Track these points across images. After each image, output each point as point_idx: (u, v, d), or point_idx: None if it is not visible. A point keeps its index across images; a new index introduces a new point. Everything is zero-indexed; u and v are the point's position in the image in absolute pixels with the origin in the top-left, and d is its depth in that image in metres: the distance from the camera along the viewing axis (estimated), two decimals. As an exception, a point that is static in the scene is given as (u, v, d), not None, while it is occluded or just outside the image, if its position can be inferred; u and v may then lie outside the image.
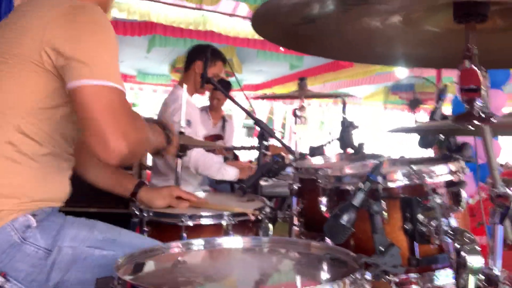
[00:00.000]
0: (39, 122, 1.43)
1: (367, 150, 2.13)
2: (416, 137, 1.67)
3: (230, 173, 3.49)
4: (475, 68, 0.83)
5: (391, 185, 1.36)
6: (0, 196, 1.40)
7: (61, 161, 1.53)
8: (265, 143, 2.70)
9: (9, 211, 1.39)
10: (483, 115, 0.82)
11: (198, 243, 1.37)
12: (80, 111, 1.37)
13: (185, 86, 2.67)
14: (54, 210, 1.54)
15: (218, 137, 4.35)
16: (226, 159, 4.00)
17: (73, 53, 1.36)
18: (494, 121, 0.82)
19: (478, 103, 0.82)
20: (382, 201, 1.31)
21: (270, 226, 1.91)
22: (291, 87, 10.12)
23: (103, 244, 1.50)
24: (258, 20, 0.94)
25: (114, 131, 1.32)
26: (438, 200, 1.33)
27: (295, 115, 2.77)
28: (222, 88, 3.14)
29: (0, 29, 1.50)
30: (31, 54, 1.38)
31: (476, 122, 0.82)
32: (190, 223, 1.73)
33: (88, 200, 1.88)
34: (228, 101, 3.27)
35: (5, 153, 1.40)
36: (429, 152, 1.81)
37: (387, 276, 1.14)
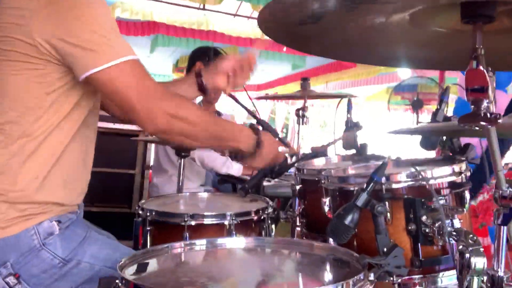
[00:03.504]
0: (58, 116, 1.42)
1: (369, 151, 2.12)
2: (418, 137, 1.66)
3: (235, 167, 3.56)
4: (481, 68, 0.82)
5: (394, 186, 1.35)
6: (31, 198, 1.39)
7: (86, 155, 1.55)
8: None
9: (36, 215, 1.40)
10: (489, 116, 0.81)
11: (200, 243, 1.37)
12: (106, 96, 1.45)
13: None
14: (78, 218, 1.55)
15: None
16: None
17: (68, 46, 1.32)
18: (500, 121, 0.81)
19: (485, 103, 0.81)
20: (386, 202, 1.31)
21: (273, 226, 1.91)
22: (294, 87, 10.12)
23: None
24: (264, 19, 0.93)
25: (141, 104, 1.36)
26: (441, 201, 1.33)
27: (298, 115, 2.76)
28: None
29: None
30: (26, 50, 1.34)
31: (482, 123, 0.82)
32: (193, 223, 1.73)
33: (92, 199, 1.88)
34: (230, 101, 3.27)
35: (26, 147, 1.39)
36: (431, 153, 1.80)
37: (390, 277, 1.13)
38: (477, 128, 0.85)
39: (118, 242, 1.60)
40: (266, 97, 8.10)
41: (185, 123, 1.43)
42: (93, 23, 1.34)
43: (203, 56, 3.38)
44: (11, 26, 1.35)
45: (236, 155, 1.67)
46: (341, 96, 2.63)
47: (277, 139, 1.88)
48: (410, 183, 1.36)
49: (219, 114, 4.53)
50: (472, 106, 0.83)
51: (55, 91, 1.40)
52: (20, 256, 1.37)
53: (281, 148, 1.78)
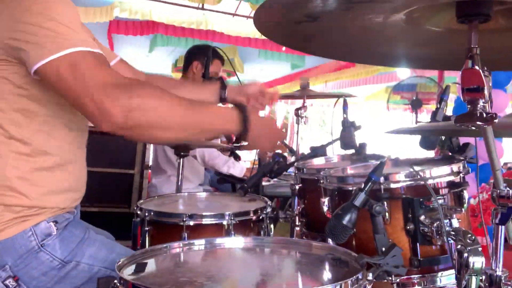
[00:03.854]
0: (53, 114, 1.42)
1: (369, 151, 2.13)
2: (418, 138, 1.66)
3: (237, 168, 3.58)
4: (478, 68, 0.83)
5: (393, 185, 1.36)
6: (26, 200, 1.39)
7: (81, 153, 1.55)
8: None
9: (33, 216, 1.39)
10: (485, 116, 0.81)
11: (199, 243, 1.37)
12: (57, 92, 1.31)
13: (186, 85, 2.67)
14: (75, 218, 1.55)
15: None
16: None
17: (18, 41, 1.27)
18: (497, 121, 0.81)
19: (481, 103, 0.81)
20: (384, 202, 1.31)
21: (272, 226, 1.91)
22: (293, 87, 10.12)
23: None
24: (260, 18, 0.93)
25: (94, 98, 1.21)
26: (440, 201, 1.33)
27: (297, 114, 2.76)
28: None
29: None
30: None
31: (478, 122, 0.82)
32: (191, 223, 1.73)
33: (90, 199, 1.88)
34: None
35: (14, 149, 1.38)
36: (431, 153, 1.80)
37: (389, 277, 1.13)
38: (473, 128, 0.85)
39: (115, 242, 1.60)
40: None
41: (151, 114, 1.27)
42: (38, 16, 1.27)
43: (201, 56, 3.38)
44: None
45: (230, 140, 1.62)
46: (339, 96, 2.62)
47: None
48: (409, 182, 1.36)
49: None
50: (468, 106, 0.83)
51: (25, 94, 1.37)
52: (18, 258, 1.37)
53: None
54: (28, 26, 1.26)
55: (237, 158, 5.23)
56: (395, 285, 1.27)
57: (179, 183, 2.65)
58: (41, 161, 1.41)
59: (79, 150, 1.56)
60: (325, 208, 1.57)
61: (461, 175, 1.42)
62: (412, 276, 1.33)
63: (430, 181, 1.35)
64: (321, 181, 1.61)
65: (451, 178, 1.39)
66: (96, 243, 1.52)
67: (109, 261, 1.49)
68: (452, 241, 1.21)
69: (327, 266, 1.21)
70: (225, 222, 1.75)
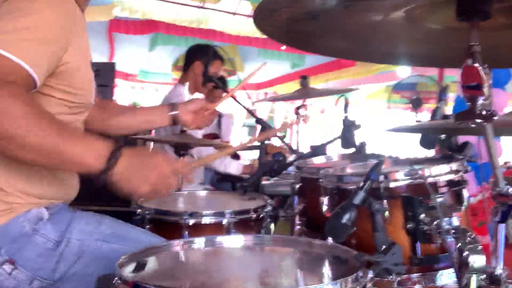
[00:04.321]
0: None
1: (369, 150, 2.13)
2: (418, 136, 1.66)
3: (233, 166, 3.57)
4: (477, 66, 0.83)
5: (393, 184, 1.36)
6: (15, 191, 1.41)
7: None
8: (266, 141, 2.70)
9: (23, 205, 1.42)
10: (485, 113, 0.81)
11: (199, 241, 1.37)
12: None
13: (186, 83, 2.68)
14: (65, 205, 1.57)
15: (214, 136, 4.35)
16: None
17: None
18: (496, 119, 0.81)
19: (481, 100, 0.81)
20: (384, 200, 1.32)
21: (272, 225, 1.91)
22: (293, 86, 10.12)
23: (110, 238, 1.51)
24: (260, 16, 0.93)
25: None
26: (439, 199, 1.33)
27: (297, 114, 2.76)
28: (223, 86, 3.16)
29: None
30: None
31: (478, 120, 0.82)
32: (191, 221, 1.73)
33: (90, 197, 1.88)
34: (228, 99, 3.29)
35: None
36: (431, 152, 1.80)
37: (389, 275, 1.14)
38: (473, 125, 0.85)
39: (104, 215, 1.60)
40: (265, 100, 8.11)
41: (9, 121, 1.16)
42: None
43: (201, 55, 3.38)
44: None
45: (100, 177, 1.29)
46: (341, 94, 2.62)
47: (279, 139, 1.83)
48: (408, 181, 1.36)
49: (220, 115, 4.53)
50: (468, 103, 0.83)
51: None
52: (12, 242, 1.38)
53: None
54: None
55: (236, 157, 5.23)
56: (395, 283, 1.27)
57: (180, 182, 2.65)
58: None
59: None
60: (325, 207, 1.57)
61: (461, 173, 1.42)
62: (412, 274, 1.33)
63: (429, 180, 1.36)
64: (321, 180, 1.61)
65: (451, 176, 1.40)
66: (84, 218, 1.53)
67: (98, 233, 1.50)
68: (452, 240, 1.21)
69: (327, 264, 1.21)
70: (225, 221, 1.75)
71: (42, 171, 1.46)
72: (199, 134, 3.49)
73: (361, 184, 1.20)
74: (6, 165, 1.40)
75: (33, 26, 1.26)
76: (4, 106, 1.16)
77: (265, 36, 1.02)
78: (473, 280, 1.13)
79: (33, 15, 1.27)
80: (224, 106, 4.90)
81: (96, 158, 1.26)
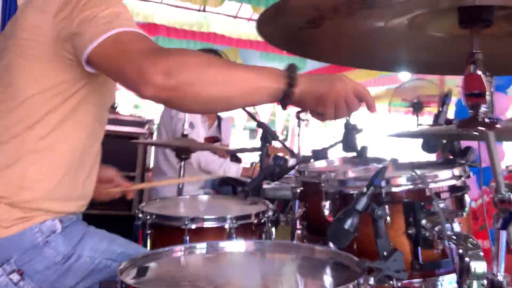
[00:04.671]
0: (64, 115, 1.43)
1: (370, 154, 2.13)
2: (420, 140, 1.66)
3: (233, 169, 3.55)
4: (480, 73, 0.83)
5: (394, 189, 1.35)
6: (35, 194, 1.41)
7: (90, 154, 1.56)
8: (267, 143, 2.71)
9: (40, 215, 1.42)
10: (487, 121, 0.81)
11: (201, 247, 1.37)
12: (104, 72, 1.37)
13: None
14: (78, 218, 1.58)
15: (215, 139, 4.36)
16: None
17: (72, 31, 1.33)
18: (499, 126, 0.81)
19: (483, 108, 0.81)
20: (386, 206, 1.31)
21: (273, 229, 1.91)
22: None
23: (120, 257, 1.52)
24: (263, 24, 0.94)
25: (134, 64, 1.22)
26: (441, 205, 1.33)
27: (298, 117, 2.77)
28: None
29: (11, 26, 1.48)
30: (48, 49, 1.38)
31: (480, 127, 0.82)
32: (193, 226, 1.73)
33: (92, 202, 1.88)
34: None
35: (39, 150, 1.41)
36: (432, 156, 1.80)
37: (390, 281, 1.13)
38: (475, 133, 0.85)
39: (117, 235, 1.62)
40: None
41: (192, 69, 1.22)
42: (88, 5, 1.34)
43: None
44: None
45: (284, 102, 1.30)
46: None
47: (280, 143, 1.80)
48: (410, 186, 1.35)
49: (219, 118, 4.54)
50: (470, 111, 0.83)
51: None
52: (23, 253, 1.39)
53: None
54: (79, 19, 1.32)
55: (238, 160, 5.22)
56: (396, 289, 1.26)
57: (180, 186, 2.65)
58: (60, 167, 1.45)
59: (93, 158, 1.59)
60: (326, 212, 1.57)
61: (463, 179, 1.42)
62: (413, 280, 1.33)
63: (431, 185, 1.35)
64: (322, 184, 1.60)
65: (453, 182, 1.39)
66: (96, 236, 1.54)
67: (110, 252, 1.52)
68: (453, 245, 1.21)
69: (328, 270, 1.21)
70: (226, 226, 1.75)
71: (63, 183, 1.46)
72: (201, 137, 3.49)
73: (364, 189, 1.20)
74: (27, 175, 1.40)
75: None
76: (190, 59, 1.23)
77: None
78: (475, 286, 1.13)
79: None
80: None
81: (276, 80, 1.26)
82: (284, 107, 1.30)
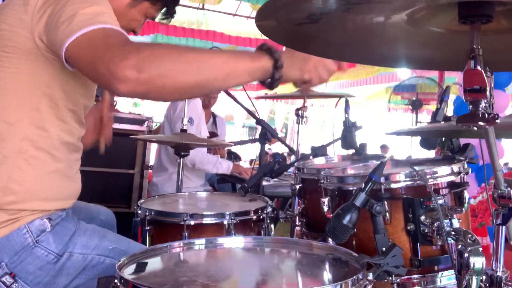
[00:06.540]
0: (50, 110, 1.44)
1: (369, 151, 2.13)
2: (418, 138, 1.66)
3: (224, 166, 3.64)
4: (479, 69, 0.82)
5: (393, 186, 1.36)
6: (20, 195, 1.41)
7: (73, 152, 1.56)
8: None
9: (27, 215, 1.41)
10: (487, 116, 0.81)
11: (200, 243, 1.37)
12: (80, 70, 1.34)
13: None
14: (68, 214, 1.57)
15: (213, 134, 4.37)
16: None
17: (50, 27, 1.33)
18: (498, 122, 0.81)
19: (483, 103, 0.81)
20: (385, 202, 1.32)
21: (272, 226, 1.91)
22: (293, 87, 10.11)
23: (112, 253, 1.52)
24: (262, 18, 0.93)
25: (104, 60, 1.19)
26: (440, 201, 1.33)
27: (297, 115, 2.76)
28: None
29: None
30: (27, 43, 1.37)
31: (480, 123, 0.82)
32: (192, 222, 1.73)
33: (91, 199, 1.88)
34: (229, 100, 3.30)
35: (23, 150, 1.40)
36: (431, 153, 1.80)
37: (389, 277, 1.14)
38: (475, 128, 0.85)
39: (107, 230, 1.62)
40: (266, 97, 8.10)
41: (164, 59, 1.20)
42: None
43: None
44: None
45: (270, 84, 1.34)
46: (340, 96, 2.63)
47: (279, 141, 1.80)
48: (409, 183, 1.36)
49: (214, 116, 4.55)
50: (470, 107, 0.83)
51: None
52: (14, 255, 1.38)
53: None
54: (58, 15, 1.31)
55: (237, 158, 5.22)
56: (395, 285, 1.27)
57: (180, 183, 2.65)
58: (45, 165, 1.44)
59: (77, 155, 1.59)
60: (326, 208, 1.57)
61: (462, 175, 1.42)
62: (413, 276, 1.33)
63: (430, 181, 1.36)
64: (322, 181, 1.61)
65: (452, 178, 1.40)
66: (87, 232, 1.53)
67: (102, 248, 1.51)
68: (452, 241, 1.21)
69: (327, 266, 1.21)
70: (225, 222, 1.75)
71: (48, 182, 1.46)
72: (203, 134, 3.51)
73: (363, 185, 1.20)
74: (12, 176, 1.40)
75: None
76: (160, 50, 1.22)
77: (265, 37, 1.02)
78: (474, 282, 1.13)
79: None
80: (225, 107, 4.92)
81: (255, 58, 1.27)
82: (271, 86, 1.33)
